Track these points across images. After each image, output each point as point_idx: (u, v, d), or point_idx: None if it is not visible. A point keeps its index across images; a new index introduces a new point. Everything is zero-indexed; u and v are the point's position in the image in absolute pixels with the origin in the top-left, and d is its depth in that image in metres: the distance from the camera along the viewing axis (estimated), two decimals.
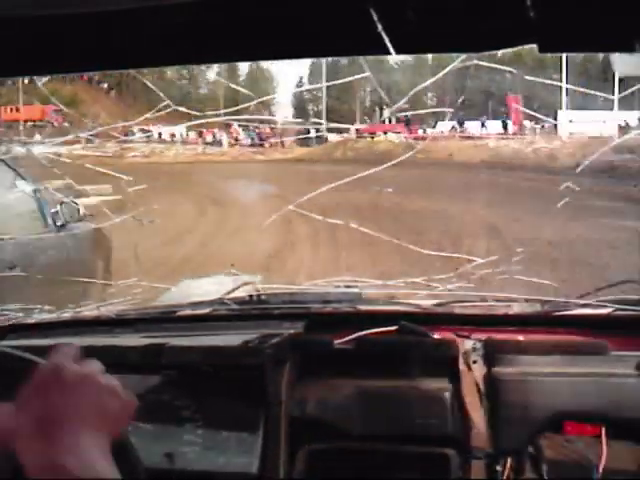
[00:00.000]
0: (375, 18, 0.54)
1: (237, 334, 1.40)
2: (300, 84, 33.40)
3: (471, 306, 1.54)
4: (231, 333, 1.44)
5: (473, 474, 1.23)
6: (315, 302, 1.62)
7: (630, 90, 1.43)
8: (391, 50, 0.58)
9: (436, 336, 1.40)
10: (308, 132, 15.23)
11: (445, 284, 1.77)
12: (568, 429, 1.26)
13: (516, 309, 1.52)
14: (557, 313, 1.46)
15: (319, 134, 18.16)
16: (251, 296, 1.67)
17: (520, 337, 1.38)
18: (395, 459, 1.30)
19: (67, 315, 1.73)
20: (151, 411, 1.28)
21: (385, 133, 22.92)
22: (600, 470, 1.22)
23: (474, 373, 1.29)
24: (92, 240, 3.70)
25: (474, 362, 1.31)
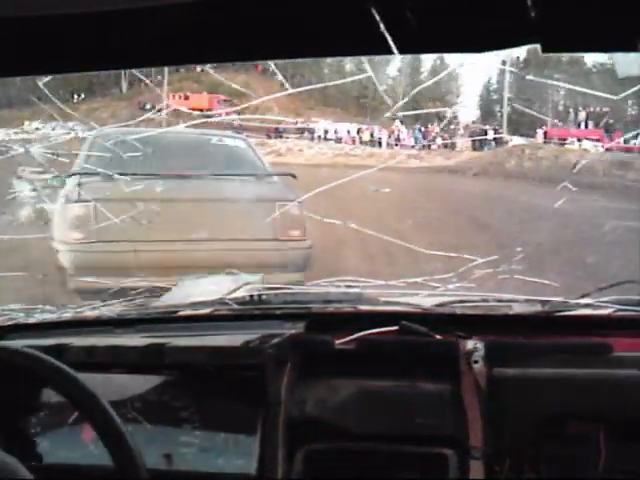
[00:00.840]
0: (377, 18, 0.54)
1: (238, 334, 1.40)
2: (489, 84, 30.74)
3: (472, 306, 1.54)
4: (232, 333, 1.44)
5: (473, 474, 1.23)
6: (316, 302, 1.62)
7: (631, 90, 1.43)
8: (393, 50, 0.58)
9: (437, 336, 1.40)
10: (485, 133, 12.89)
11: (446, 284, 1.77)
12: (568, 429, 1.26)
13: (517, 309, 1.51)
14: (558, 313, 1.46)
15: (497, 136, 15.12)
16: (252, 296, 1.67)
17: (521, 338, 1.38)
18: (395, 459, 1.30)
19: (68, 315, 1.73)
20: (151, 411, 1.28)
21: (579, 140, 17.82)
22: (600, 470, 1.22)
23: (475, 373, 1.29)
24: None
25: (475, 362, 1.31)
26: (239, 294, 1.71)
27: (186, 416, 1.27)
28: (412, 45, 0.62)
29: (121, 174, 2.56)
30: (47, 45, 0.64)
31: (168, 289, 1.94)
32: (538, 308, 1.49)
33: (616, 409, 1.23)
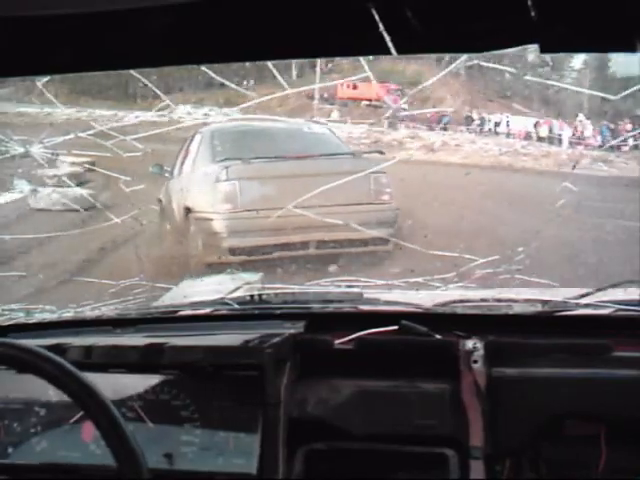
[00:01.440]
0: (376, 18, 0.54)
1: (238, 334, 1.40)
2: None
3: (472, 306, 1.54)
4: (232, 333, 1.44)
5: (473, 474, 1.23)
6: (316, 302, 1.62)
7: (630, 90, 1.43)
8: (392, 50, 0.58)
9: (437, 336, 1.39)
10: None
11: (446, 284, 1.77)
12: (568, 429, 1.26)
13: (517, 309, 1.51)
14: (558, 313, 1.46)
15: None
16: (252, 296, 1.67)
17: (521, 337, 1.38)
18: (395, 459, 1.30)
19: (68, 315, 1.74)
20: (151, 411, 1.28)
21: None
22: (600, 470, 1.22)
23: (474, 373, 1.29)
24: None
25: (475, 362, 1.30)
26: (239, 294, 1.71)
27: (186, 416, 1.27)
28: (411, 45, 0.61)
29: (256, 158, 3.47)
30: (47, 45, 0.64)
31: (168, 289, 1.94)
32: (538, 308, 1.49)
33: (616, 409, 1.23)
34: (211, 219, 4.09)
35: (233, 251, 3.74)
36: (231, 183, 4.05)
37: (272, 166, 3.94)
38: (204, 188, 4.25)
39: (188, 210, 4.20)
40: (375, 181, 4.19)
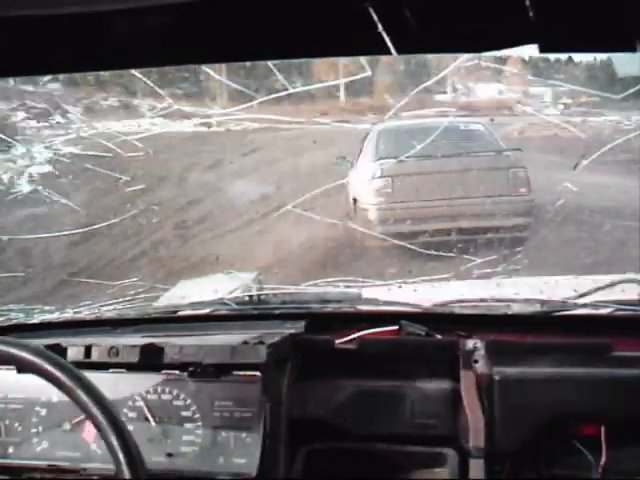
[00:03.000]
0: (375, 18, 0.54)
1: (237, 334, 1.40)
2: None
3: (471, 306, 1.54)
4: (231, 333, 1.44)
5: (472, 474, 1.23)
6: (315, 302, 1.62)
7: (631, 90, 1.43)
8: (392, 50, 0.58)
9: (437, 336, 1.40)
10: None
11: (445, 284, 1.77)
12: (568, 429, 1.26)
13: (516, 309, 1.51)
14: (557, 313, 1.46)
15: None
16: (251, 296, 1.67)
17: (521, 337, 1.38)
18: (395, 459, 1.30)
19: (68, 315, 1.74)
20: (151, 411, 1.28)
21: None
22: (600, 470, 1.22)
23: (474, 373, 1.29)
24: None
25: (475, 362, 1.30)
26: (239, 294, 1.71)
27: (187, 416, 1.27)
28: (411, 45, 0.62)
29: (408, 157, 3.85)
30: (47, 45, 0.64)
31: (168, 289, 1.94)
32: (537, 308, 1.49)
33: (616, 409, 1.23)
34: (367, 209, 4.83)
35: (389, 235, 4.20)
36: (385, 180, 4.76)
37: (422, 163, 4.43)
38: (365, 182, 4.94)
39: (355, 200, 4.96)
40: (514, 175, 4.74)
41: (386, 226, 4.47)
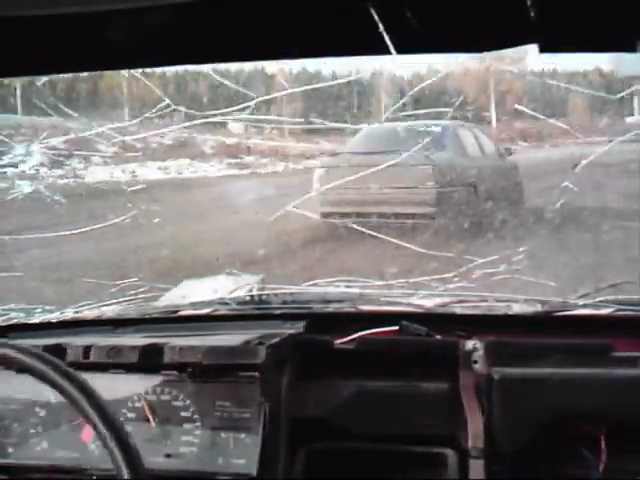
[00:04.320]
0: (375, 18, 0.54)
1: (237, 334, 1.39)
2: None
3: (472, 306, 1.54)
4: (232, 333, 1.44)
5: (472, 474, 1.23)
6: (315, 302, 1.62)
7: (630, 90, 1.43)
8: (392, 50, 0.58)
9: (437, 336, 1.39)
10: None
11: (446, 284, 1.77)
12: (568, 429, 1.26)
13: (516, 310, 1.51)
14: (558, 313, 1.46)
15: None
16: (252, 296, 1.67)
17: (521, 338, 1.38)
18: (395, 459, 1.30)
19: (68, 315, 1.74)
20: (151, 411, 1.28)
21: None
22: (600, 470, 1.22)
23: (474, 373, 1.29)
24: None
25: (475, 362, 1.30)
26: (239, 294, 1.71)
27: (186, 416, 1.27)
28: (412, 45, 0.62)
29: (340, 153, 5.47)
30: (47, 45, 0.64)
31: (168, 289, 1.94)
32: (538, 308, 1.49)
33: (616, 409, 1.23)
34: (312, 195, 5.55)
35: (325, 215, 5.23)
36: (322, 170, 5.69)
37: (351, 158, 5.36)
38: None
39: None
40: (423, 171, 5.63)
41: (326, 207, 5.27)
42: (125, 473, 0.92)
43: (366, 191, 5.45)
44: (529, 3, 0.54)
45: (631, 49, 0.59)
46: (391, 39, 0.57)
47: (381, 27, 0.55)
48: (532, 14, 0.54)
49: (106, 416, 0.94)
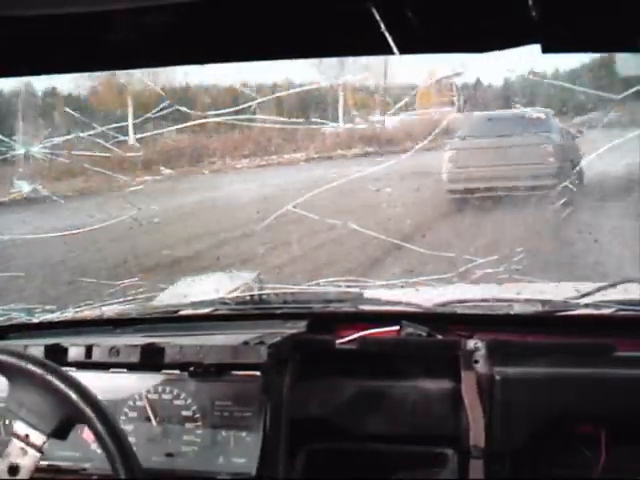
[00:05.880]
0: (377, 18, 0.54)
1: (238, 334, 1.39)
2: None
3: (473, 306, 1.54)
4: (232, 333, 1.44)
5: (472, 474, 1.23)
6: (316, 302, 1.61)
7: (632, 89, 1.42)
8: (394, 50, 0.58)
9: (438, 336, 1.39)
10: None
11: (446, 284, 1.76)
12: (568, 429, 1.26)
13: (517, 309, 1.51)
14: (559, 313, 1.45)
15: None
16: (252, 296, 1.67)
17: (522, 337, 1.38)
18: (395, 459, 1.30)
19: (68, 315, 1.74)
20: (152, 411, 1.28)
21: None
22: (600, 470, 1.22)
23: (475, 373, 1.29)
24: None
25: (475, 362, 1.30)
26: (239, 294, 1.71)
27: (187, 415, 1.27)
28: (413, 45, 0.61)
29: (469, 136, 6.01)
30: (47, 45, 0.64)
31: (167, 289, 1.94)
32: (538, 308, 1.49)
33: (617, 409, 1.23)
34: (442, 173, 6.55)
35: (452, 192, 6.20)
36: (452, 151, 6.32)
37: (479, 141, 6.19)
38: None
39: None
40: (544, 150, 6.14)
41: (454, 184, 6.14)
42: (122, 473, 0.92)
43: (493, 168, 6.14)
44: (530, 3, 0.53)
45: (634, 48, 0.58)
46: (393, 39, 0.57)
47: (383, 27, 0.55)
48: (534, 14, 0.54)
49: (103, 416, 0.94)
